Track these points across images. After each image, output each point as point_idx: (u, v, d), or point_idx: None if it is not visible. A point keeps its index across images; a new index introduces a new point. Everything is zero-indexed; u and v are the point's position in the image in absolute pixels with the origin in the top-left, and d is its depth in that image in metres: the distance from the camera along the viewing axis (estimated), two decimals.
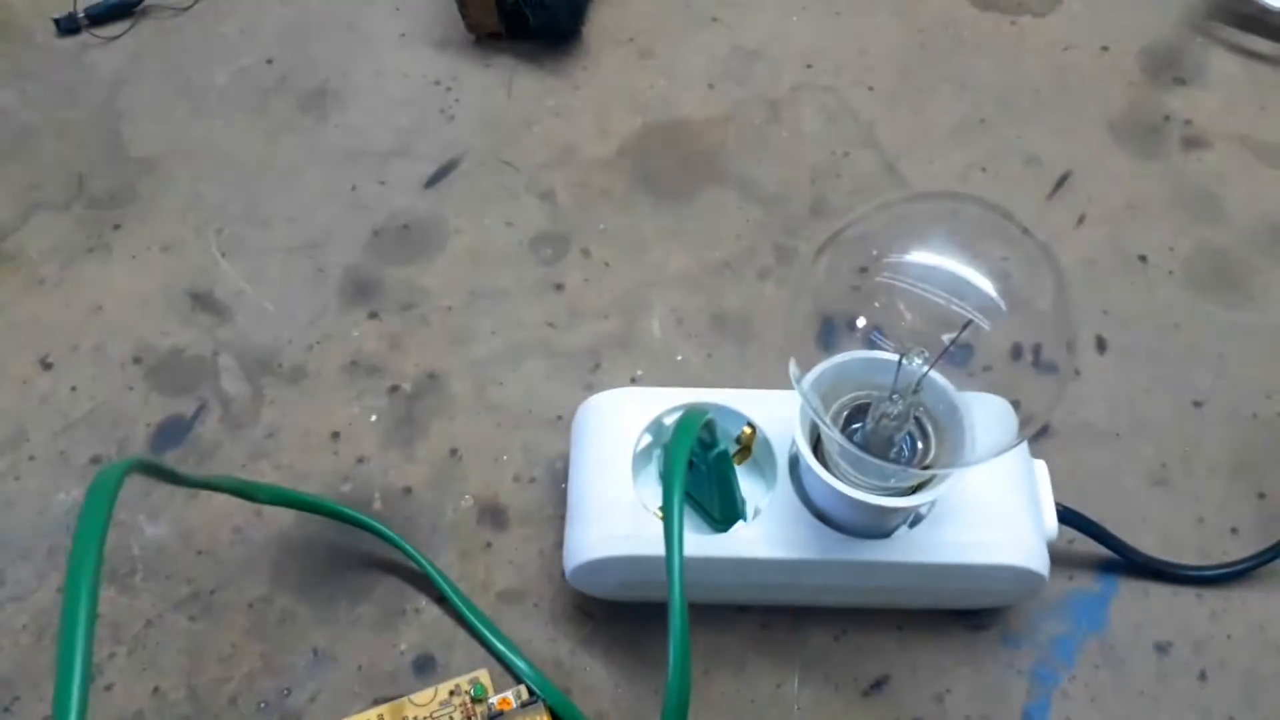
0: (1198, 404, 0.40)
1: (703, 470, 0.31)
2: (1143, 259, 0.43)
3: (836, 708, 0.34)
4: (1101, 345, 0.41)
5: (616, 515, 0.32)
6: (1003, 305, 0.28)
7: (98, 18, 0.51)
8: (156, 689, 0.34)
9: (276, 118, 0.48)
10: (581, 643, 0.35)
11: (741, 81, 0.49)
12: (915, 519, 0.32)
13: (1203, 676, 0.34)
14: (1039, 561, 0.31)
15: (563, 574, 0.33)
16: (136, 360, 0.41)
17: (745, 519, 0.32)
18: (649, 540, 0.31)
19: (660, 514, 0.28)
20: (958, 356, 0.29)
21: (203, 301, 0.42)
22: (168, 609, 0.35)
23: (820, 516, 0.32)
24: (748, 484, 0.33)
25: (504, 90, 0.49)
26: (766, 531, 0.31)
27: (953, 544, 0.31)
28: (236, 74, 0.49)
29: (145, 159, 0.47)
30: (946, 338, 0.28)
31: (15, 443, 0.39)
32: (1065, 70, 0.49)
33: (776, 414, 0.33)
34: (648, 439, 0.34)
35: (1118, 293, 0.42)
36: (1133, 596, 0.36)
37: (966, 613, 0.35)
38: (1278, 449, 0.39)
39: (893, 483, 0.30)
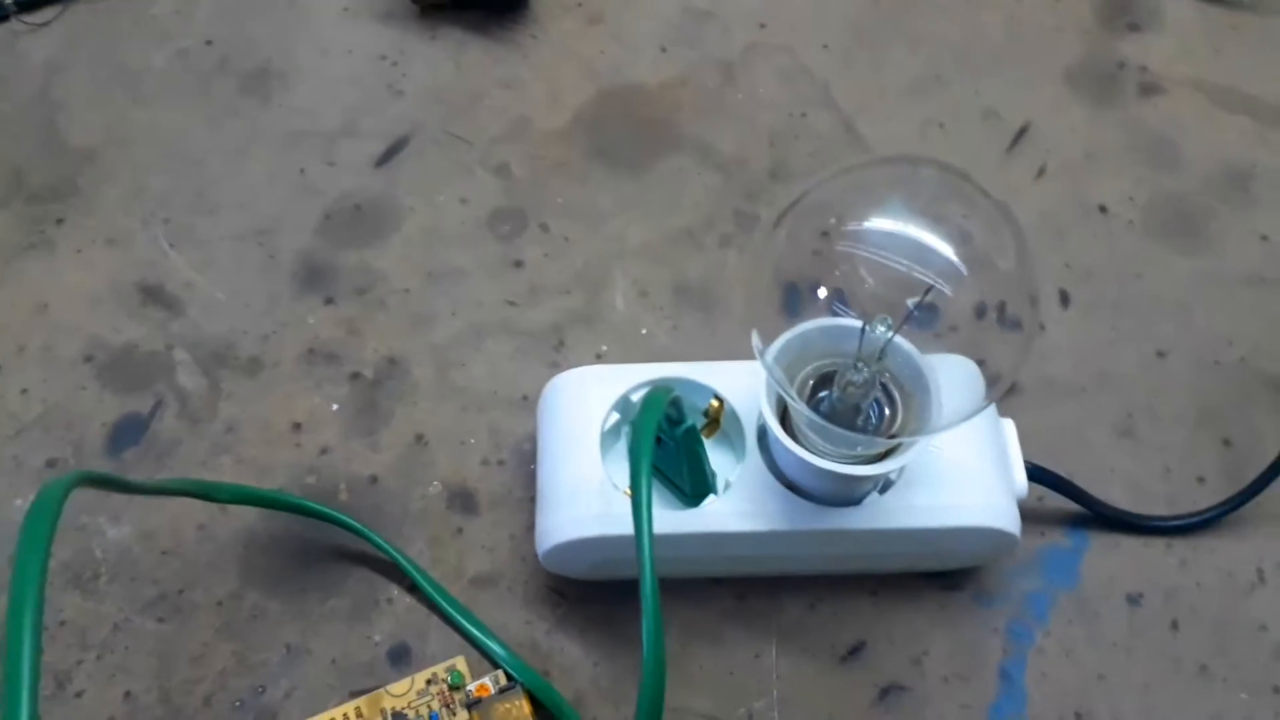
0: (1161, 354, 0.40)
1: (671, 446, 0.30)
2: (1103, 209, 0.43)
3: (815, 674, 0.34)
4: (1064, 299, 0.41)
5: (586, 496, 0.31)
6: (964, 267, 0.28)
7: (26, 3, 0.49)
8: (128, 693, 0.33)
9: (219, 101, 0.46)
10: (557, 624, 0.34)
11: (694, 44, 0.48)
12: (885, 484, 0.32)
13: (1174, 625, 0.35)
14: (1010, 521, 0.32)
15: (535, 556, 0.33)
16: (88, 359, 0.40)
17: (716, 492, 0.32)
18: (620, 520, 0.30)
19: (630, 493, 0.27)
20: (922, 319, 0.28)
21: (153, 295, 0.41)
22: (135, 611, 0.35)
23: (790, 486, 0.31)
24: (717, 457, 0.33)
25: (452, 63, 0.47)
26: (737, 504, 0.31)
27: (923, 508, 0.31)
28: (175, 57, 0.48)
29: (84, 149, 0.45)
30: (910, 302, 0.28)
31: None
32: (1020, 22, 0.49)
33: (744, 385, 0.33)
34: (615, 416, 0.33)
35: (1079, 245, 0.42)
36: (1103, 550, 0.36)
37: (940, 574, 0.35)
38: (1241, 396, 0.39)
39: (861, 451, 0.29)
